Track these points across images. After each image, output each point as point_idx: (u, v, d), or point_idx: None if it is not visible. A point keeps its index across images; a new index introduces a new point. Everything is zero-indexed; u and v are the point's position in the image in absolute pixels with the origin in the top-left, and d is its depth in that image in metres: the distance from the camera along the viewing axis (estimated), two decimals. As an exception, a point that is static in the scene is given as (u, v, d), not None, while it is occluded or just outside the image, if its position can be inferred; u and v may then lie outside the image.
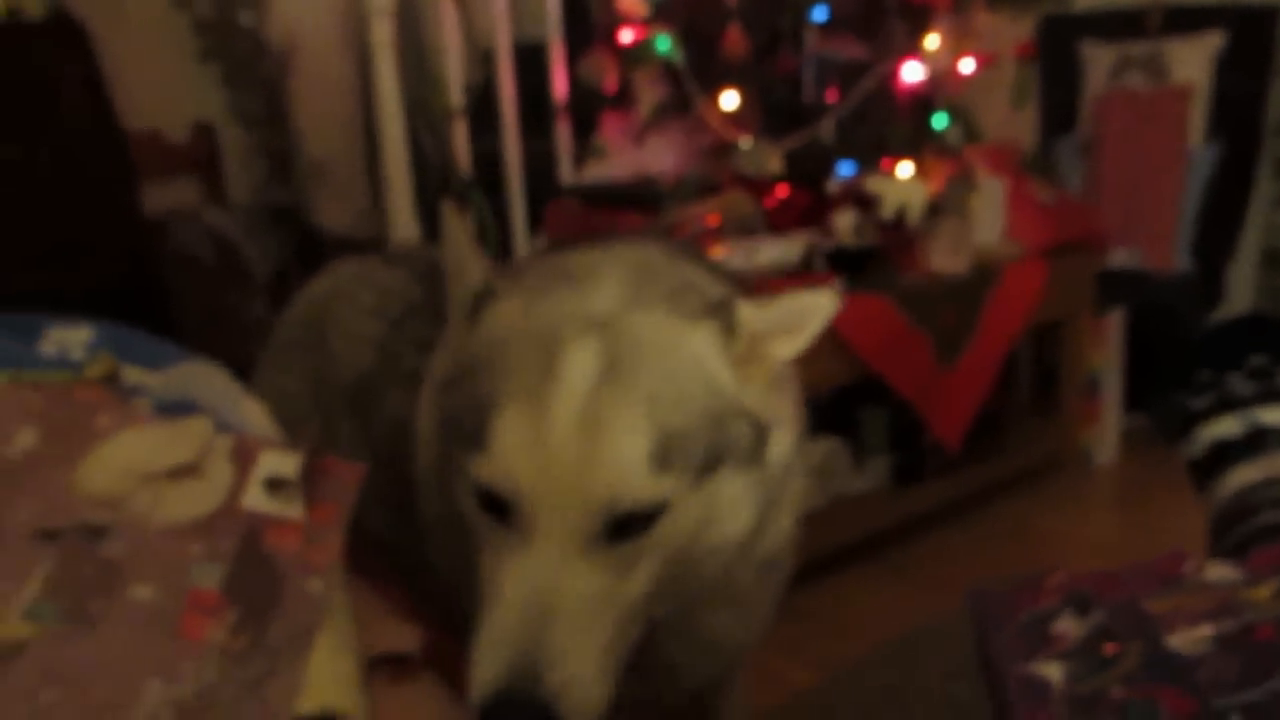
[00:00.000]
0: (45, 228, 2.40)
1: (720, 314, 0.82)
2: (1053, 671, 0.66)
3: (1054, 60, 3.48)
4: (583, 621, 0.73)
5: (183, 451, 0.68)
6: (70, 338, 0.93)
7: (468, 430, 0.77)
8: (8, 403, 0.68)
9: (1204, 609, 0.67)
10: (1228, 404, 1.06)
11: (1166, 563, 0.74)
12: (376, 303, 1.38)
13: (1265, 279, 3.46)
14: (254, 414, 0.83)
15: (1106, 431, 3.06)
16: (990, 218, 2.61)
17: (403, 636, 0.75)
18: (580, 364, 0.75)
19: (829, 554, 2.31)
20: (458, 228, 0.85)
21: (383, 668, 0.71)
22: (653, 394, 0.76)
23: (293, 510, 0.68)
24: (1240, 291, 3.45)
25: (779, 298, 0.84)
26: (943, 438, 2.50)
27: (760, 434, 0.83)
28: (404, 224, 2.61)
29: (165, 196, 2.98)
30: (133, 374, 0.91)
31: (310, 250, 3.14)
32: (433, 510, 1.15)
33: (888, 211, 2.36)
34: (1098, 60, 3.49)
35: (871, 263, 2.42)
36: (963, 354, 2.46)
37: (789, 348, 0.84)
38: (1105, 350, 2.99)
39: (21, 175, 2.37)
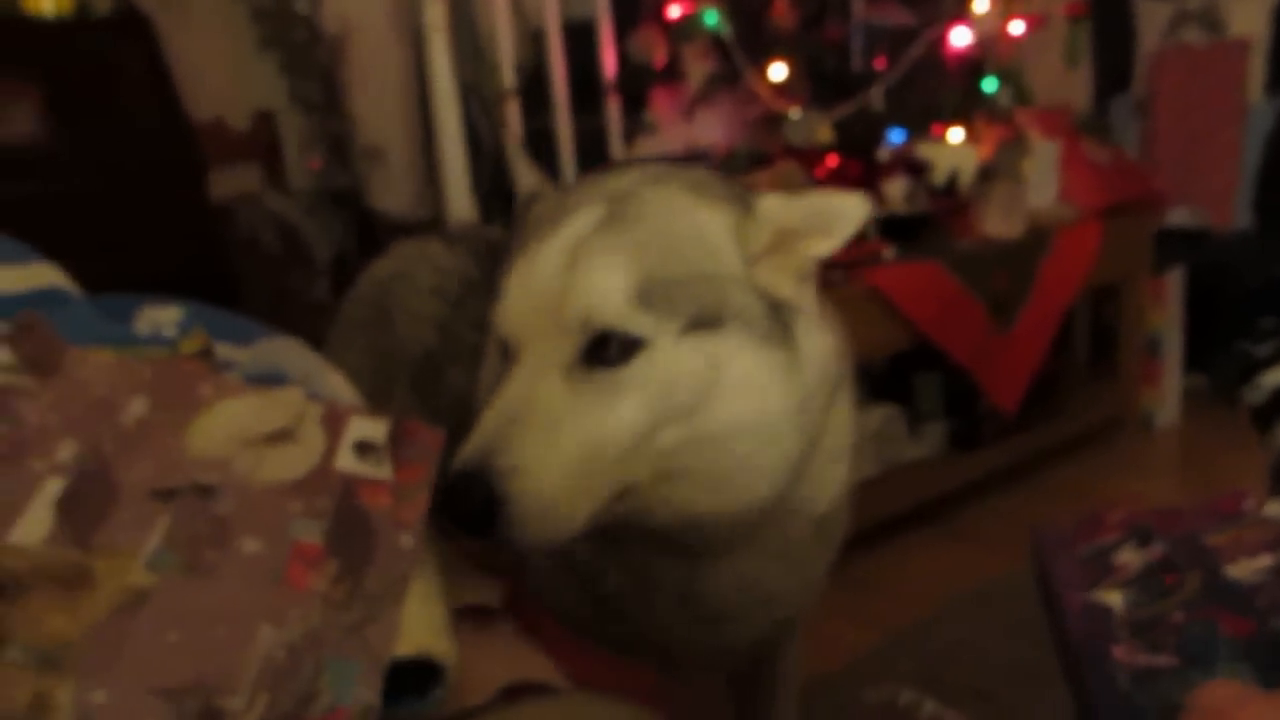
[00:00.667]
0: (118, 216, 2.49)
1: (735, 201, 0.88)
2: (1114, 598, 0.68)
3: (1107, 17, 3.42)
4: (549, 427, 0.78)
5: (279, 418, 0.72)
6: (162, 317, 0.99)
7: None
8: (118, 375, 0.73)
9: (1262, 541, 0.69)
10: None
11: (1226, 501, 0.76)
12: (437, 283, 1.43)
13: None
14: (339, 384, 0.88)
15: (1167, 393, 3.03)
16: (1044, 180, 2.60)
17: (485, 590, 0.79)
18: (581, 219, 0.83)
19: (886, 520, 2.33)
20: (517, 152, 0.92)
21: (467, 618, 0.76)
22: (641, 242, 0.82)
23: (382, 471, 0.73)
24: (1304, 248, 3.38)
25: (806, 195, 0.88)
26: (999, 403, 2.51)
27: (778, 313, 0.86)
28: (460, 205, 2.65)
29: (229, 182, 3.07)
30: (222, 349, 0.97)
31: (368, 233, 3.21)
32: None
33: (939, 178, 2.36)
34: (1152, 16, 3.42)
35: (924, 230, 2.43)
36: (1018, 318, 2.46)
37: (821, 247, 0.88)
38: (1165, 311, 2.96)
39: (95, 166, 2.46)
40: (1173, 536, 0.72)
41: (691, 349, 0.81)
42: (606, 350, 0.79)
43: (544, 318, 0.81)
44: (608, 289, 0.79)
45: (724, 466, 0.85)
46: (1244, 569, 0.67)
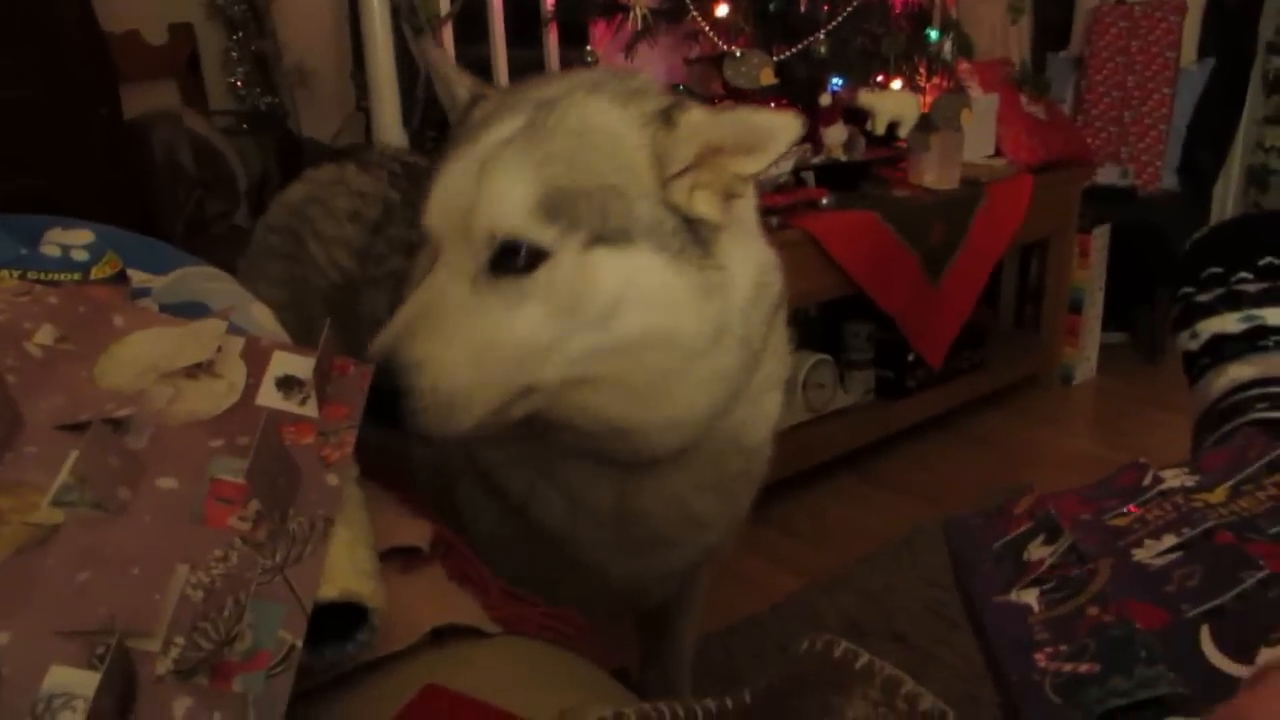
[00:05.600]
0: (22, 130, 2.36)
1: (660, 114, 0.87)
2: (1030, 597, 0.67)
3: (1049, -28, 3.43)
4: (453, 327, 0.82)
5: (198, 351, 0.69)
6: (71, 239, 0.94)
7: None
8: (24, 300, 0.69)
9: (1165, 519, 0.68)
10: (1233, 301, 1.04)
11: (1126, 475, 0.75)
12: (354, 207, 1.39)
13: (1250, 196, 3.48)
14: (263, 316, 0.84)
15: (1086, 349, 3.10)
16: (982, 133, 2.61)
17: (412, 531, 0.77)
18: (502, 128, 0.85)
19: (814, 466, 2.36)
20: (440, 58, 0.95)
21: (394, 559, 0.74)
22: (551, 153, 0.84)
23: (307, 409, 0.70)
24: (1226, 210, 3.47)
25: (734, 110, 0.88)
26: (925, 355, 2.54)
27: (694, 231, 0.87)
28: (390, 132, 2.56)
29: (144, 99, 2.92)
30: (136, 276, 0.92)
31: (292, 157, 3.10)
32: None
33: (880, 126, 2.35)
34: (1093, -27, 3.44)
35: (862, 178, 2.42)
36: (948, 271, 2.48)
37: (748, 166, 0.87)
38: (1089, 268, 3.02)
39: (11, 78, 2.32)
40: (1079, 522, 0.71)
41: (596, 262, 0.83)
42: (514, 259, 0.82)
43: (457, 224, 0.84)
44: (512, 199, 0.82)
45: (640, 379, 0.88)
46: (1150, 552, 0.66)
